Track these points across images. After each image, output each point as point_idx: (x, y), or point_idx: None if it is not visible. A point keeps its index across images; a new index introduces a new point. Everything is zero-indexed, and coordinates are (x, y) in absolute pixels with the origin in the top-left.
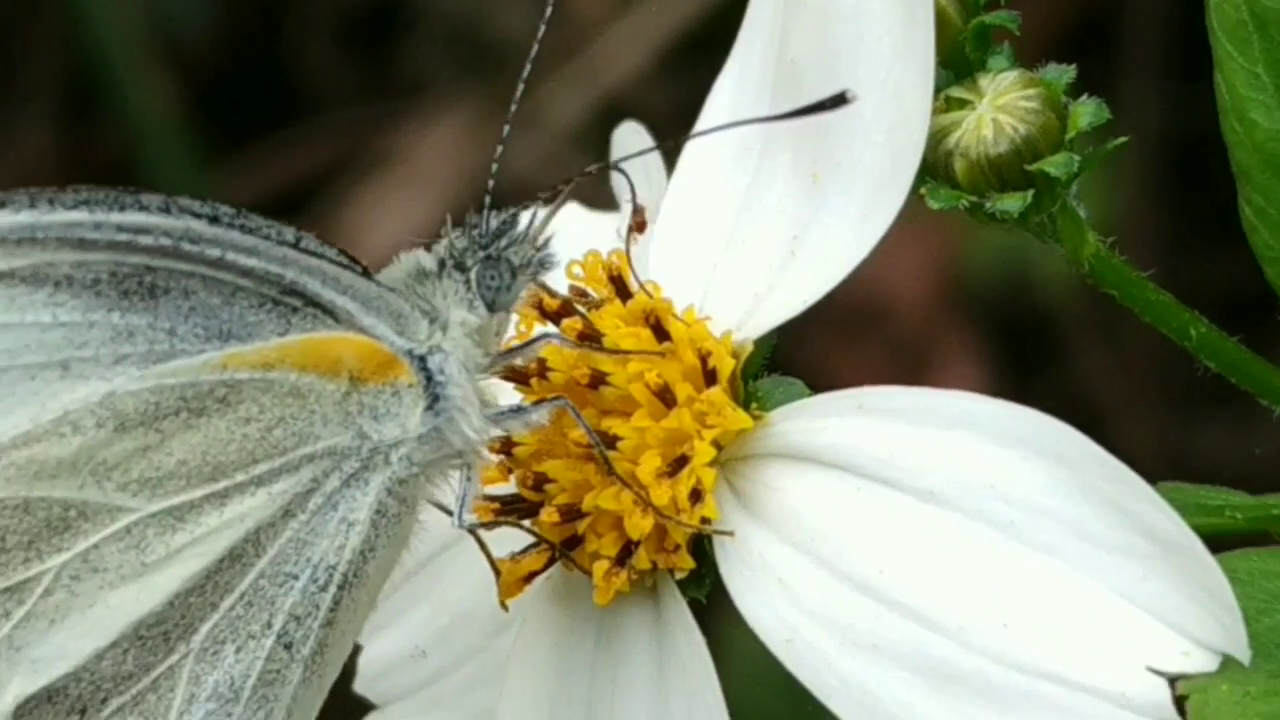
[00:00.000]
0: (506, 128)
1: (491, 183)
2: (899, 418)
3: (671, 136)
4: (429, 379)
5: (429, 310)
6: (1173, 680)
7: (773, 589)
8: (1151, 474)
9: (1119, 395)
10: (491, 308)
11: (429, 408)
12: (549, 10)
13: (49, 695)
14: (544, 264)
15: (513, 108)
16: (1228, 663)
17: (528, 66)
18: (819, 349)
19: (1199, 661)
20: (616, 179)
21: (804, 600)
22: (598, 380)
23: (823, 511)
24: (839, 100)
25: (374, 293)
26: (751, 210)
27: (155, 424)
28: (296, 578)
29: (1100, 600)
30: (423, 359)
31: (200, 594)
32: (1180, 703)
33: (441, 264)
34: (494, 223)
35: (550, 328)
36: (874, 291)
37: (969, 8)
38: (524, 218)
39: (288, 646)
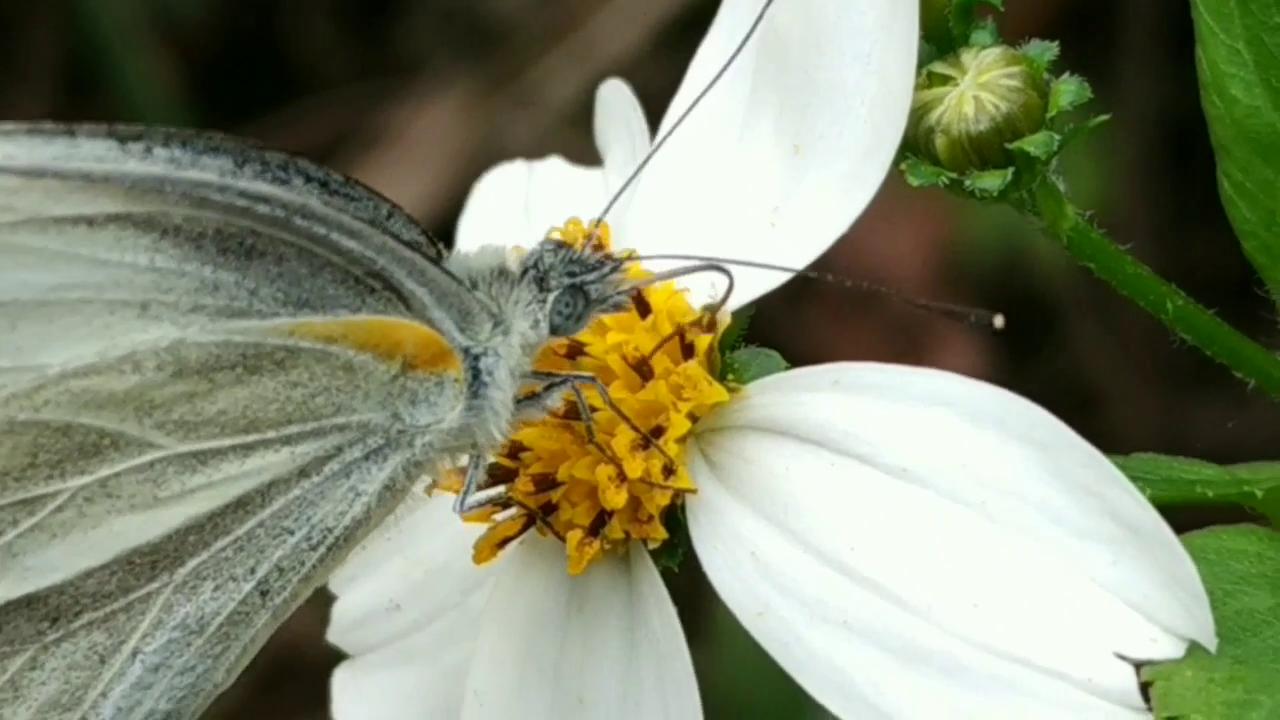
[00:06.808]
0: None
1: None
2: (874, 394)
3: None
4: (475, 376)
5: (495, 313)
6: (1139, 666)
7: (745, 562)
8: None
9: (1115, 375)
10: (554, 331)
11: (467, 404)
12: None
13: (29, 601)
14: (616, 306)
15: None
16: (1193, 649)
17: None
18: (815, 330)
19: (1165, 648)
20: (601, 140)
21: (775, 574)
22: (575, 351)
23: (796, 486)
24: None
25: (451, 288)
26: (733, 181)
27: (210, 374)
28: (292, 533)
29: (1069, 584)
30: (476, 359)
31: (198, 533)
32: (1145, 688)
33: (524, 272)
34: (587, 253)
35: None
36: (869, 272)
37: None
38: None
39: (264, 594)
